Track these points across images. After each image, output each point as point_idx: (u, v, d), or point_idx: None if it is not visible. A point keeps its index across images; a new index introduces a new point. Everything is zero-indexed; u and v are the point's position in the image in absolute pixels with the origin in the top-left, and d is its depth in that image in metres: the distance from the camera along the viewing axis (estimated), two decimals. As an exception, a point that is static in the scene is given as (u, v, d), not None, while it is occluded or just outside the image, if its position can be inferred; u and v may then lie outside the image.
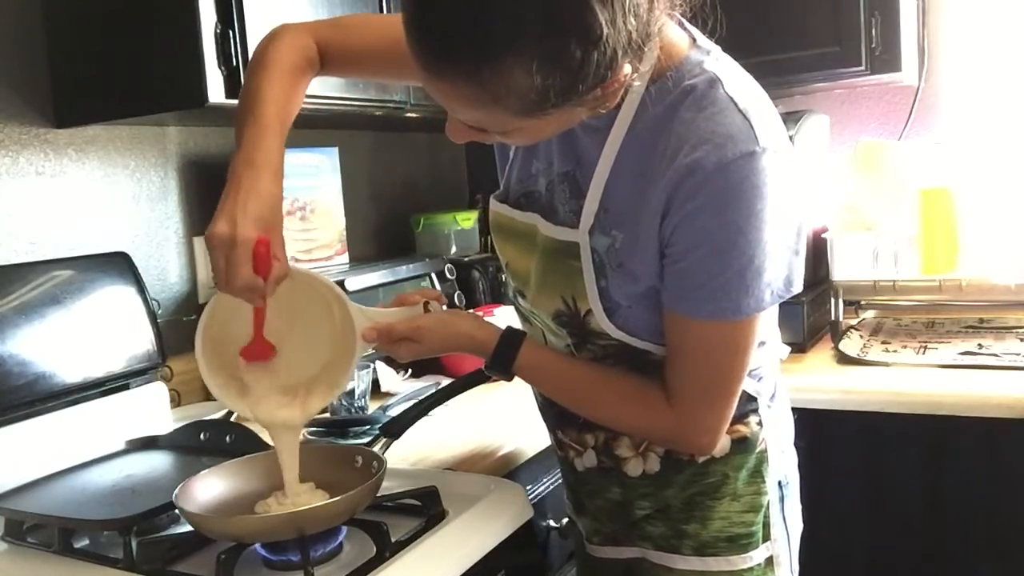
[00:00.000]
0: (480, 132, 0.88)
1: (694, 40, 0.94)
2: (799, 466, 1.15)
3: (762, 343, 1.04)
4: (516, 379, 1.06)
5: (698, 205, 0.87)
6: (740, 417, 1.04)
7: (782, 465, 1.10)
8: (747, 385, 1.02)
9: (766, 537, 1.08)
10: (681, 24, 0.94)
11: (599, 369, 1.04)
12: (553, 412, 1.14)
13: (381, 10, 1.69)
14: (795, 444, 1.15)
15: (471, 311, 1.97)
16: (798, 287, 0.94)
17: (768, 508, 1.08)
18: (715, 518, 1.06)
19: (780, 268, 0.91)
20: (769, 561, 1.08)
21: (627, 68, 0.82)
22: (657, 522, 1.09)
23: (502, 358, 1.03)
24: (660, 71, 0.91)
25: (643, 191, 0.92)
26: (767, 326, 1.03)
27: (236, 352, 1.00)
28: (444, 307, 1.09)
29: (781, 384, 1.13)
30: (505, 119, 0.83)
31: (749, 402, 1.05)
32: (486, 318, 1.94)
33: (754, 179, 0.86)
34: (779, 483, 1.09)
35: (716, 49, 0.94)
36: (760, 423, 1.06)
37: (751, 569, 1.07)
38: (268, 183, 0.92)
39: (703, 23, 0.93)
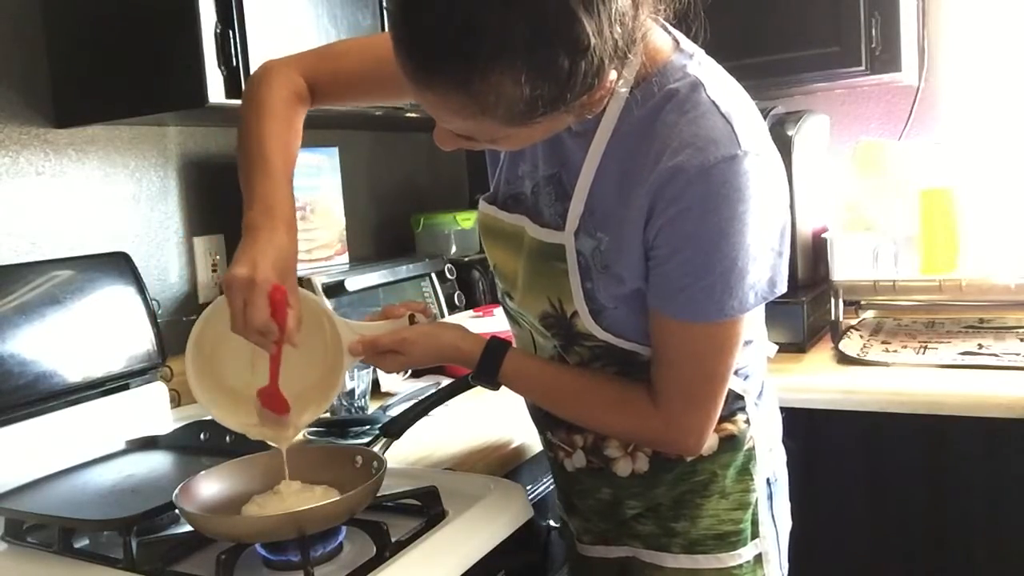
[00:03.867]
0: (468, 140, 0.89)
1: (677, 43, 0.94)
2: (798, 465, 1.15)
3: (749, 342, 1.04)
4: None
5: (681, 209, 0.88)
6: (728, 415, 1.04)
7: (770, 463, 1.11)
8: (734, 384, 1.03)
9: (755, 535, 1.08)
10: (665, 27, 0.94)
11: (585, 376, 1.04)
12: (542, 414, 1.14)
13: (380, 9, 1.69)
14: (794, 444, 1.15)
15: (469, 312, 1.98)
16: (782, 288, 0.95)
17: (756, 506, 1.08)
18: (704, 516, 1.07)
19: (763, 270, 0.92)
20: (758, 558, 1.08)
21: (613, 75, 0.83)
22: (647, 521, 1.10)
23: (487, 368, 1.04)
24: (644, 75, 0.91)
25: (627, 194, 0.92)
26: (753, 325, 1.04)
27: (228, 366, 1.02)
28: (429, 319, 1.09)
29: (769, 382, 1.13)
30: (493, 128, 0.83)
31: (736, 400, 1.05)
32: (485, 318, 1.94)
33: (736, 182, 0.86)
34: (767, 481, 1.10)
35: (699, 52, 0.95)
36: (748, 421, 1.06)
37: (740, 567, 1.07)
38: (284, 237, 0.94)
39: (688, 26, 0.93)
